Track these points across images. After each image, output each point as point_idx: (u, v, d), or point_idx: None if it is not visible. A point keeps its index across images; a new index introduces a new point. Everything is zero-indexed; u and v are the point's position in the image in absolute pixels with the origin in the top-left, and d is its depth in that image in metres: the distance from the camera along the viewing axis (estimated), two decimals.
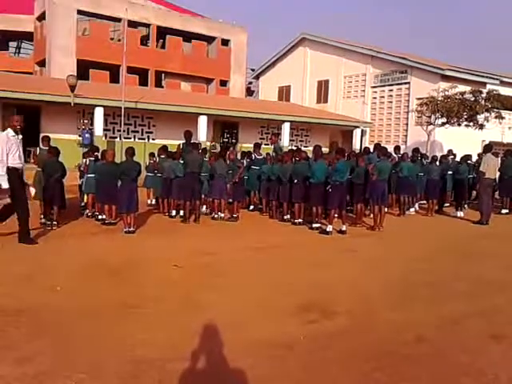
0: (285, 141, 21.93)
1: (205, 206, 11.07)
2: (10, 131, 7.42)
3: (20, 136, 7.54)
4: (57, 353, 3.80)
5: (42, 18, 27.84)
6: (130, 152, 8.99)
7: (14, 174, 7.24)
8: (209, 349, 4.01)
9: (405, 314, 5.04)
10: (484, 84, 21.65)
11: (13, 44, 36.73)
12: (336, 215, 9.71)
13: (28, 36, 31.91)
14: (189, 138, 11.00)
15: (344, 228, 9.47)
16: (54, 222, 8.75)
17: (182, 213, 10.22)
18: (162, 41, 29.93)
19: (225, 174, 10.35)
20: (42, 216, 9.06)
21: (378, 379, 3.63)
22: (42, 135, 12.15)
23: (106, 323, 4.46)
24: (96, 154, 10.29)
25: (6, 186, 7.13)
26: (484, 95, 18.44)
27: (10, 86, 16.31)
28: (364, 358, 3.95)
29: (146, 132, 20.46)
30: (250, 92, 38.36)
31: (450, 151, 14.93)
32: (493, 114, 18.57)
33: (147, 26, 29.03)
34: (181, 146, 10.92)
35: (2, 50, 33.59)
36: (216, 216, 10.46)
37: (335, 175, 9.30)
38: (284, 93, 30.41)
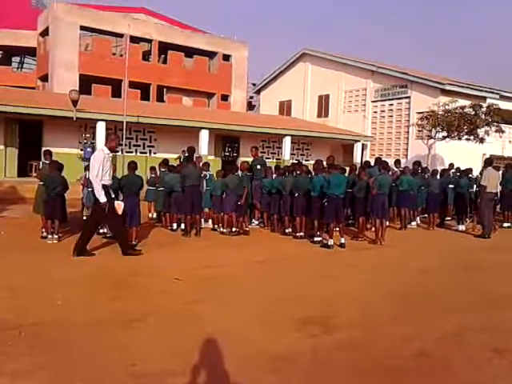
0: (286, 155, 22.02)
1: (210, 220, 11.03)
2: (105, 149, 7.85)
3: (111, 153, 8.02)
4: (57, 366, 3.78)
5: (45, 33, 28.14)
6: (133, 166, 9.03)
7: (104, 190, 7.64)
8: (210, 362, 3.99)
9: (406, 328, 5.01)
10: (484, 98, 21.74)
11: (16, 59, 37.09)
12: (337, 229, 9.69)
13: (31, 51, 32.26)
14: (190, 152, 11.04)
15: (343, 241, 9.43)
16: (56, 236, 8.76)
17: (182, 226, 10.22)
18: (163, 56, 30.20)
19: (237, 189, 10.27)
20: (43, 230, 9.06)
21: None
22: (43, 149, 12.18)
23: (107, 337, 4.44)
24: None
25: (104, 199, 7.58)
26: (484, 109, 18.51)
27: (12, 100, 16.41)
28: (366, 372, 3.92)
29: (148, 146, 20.55)
30: (251, 106, 38.58)
31: (451, 165, 14.94)
32: (493, 128, 18.62)
33: (149, 41, 29.32)
34: (181, 159, 10.96)
35: (5, 65, 33.93)
36: (228, 231, 10.30)
37: (328, 189, 9.31)
38: (285, 107, 30.57)
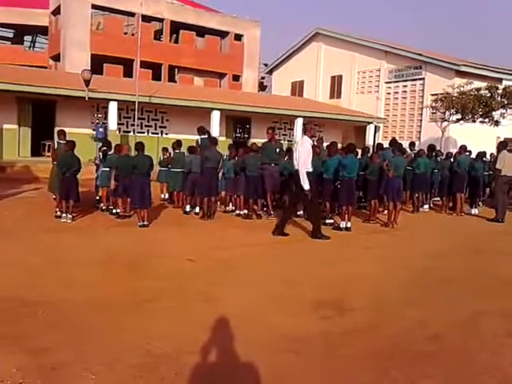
0: (298, 136, 21.89)
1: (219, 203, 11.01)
2: (308, 139, 8.34)
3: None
4: (74, 345, 3.83)
5: (56, 12, 27.99)
6: (139, 146, 8.98)
7: (309, 177, 8.19)
8: (224, 342, 4.02)
9: (420, 312, 5.01)
10: (500, 80, 21.38)
11: (28, 38, 37.00)
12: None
13: (43, 30, 32.12)
14: (207, 132, 11.04)
15: (349, 225, 9.38)
16: (70, 216, 8.82)
17: (197, 209, 10.24)
18: (175, 35, 29.96)
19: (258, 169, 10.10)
20: (57, 209, 9.14)
21: (394, 377, 3.60)
22: (57, 129, 12.21)
23: (122, 316, 4.49)
24: (104, 148, 10.25)
25: (307, 187, 8.14)
26: (500, 91, 18.22)
27: (24, 80, 16.43)
28: (380, 355, 3.93)
29: (160, 126, 20.53)
30: (262, 87, 38.28)
31: (463, 147, 14.71)
32: (509, 111, 18.35)
33: (161, 20, 29.05)
34: (198, 142, 10.85)
35: (17, 43, 33.88)
36: (244, 213, 10.24)
37: (342, 171, 9.24)
38: (297, 88, 30.30)
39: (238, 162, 10.34)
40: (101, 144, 11.36)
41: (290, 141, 22.61)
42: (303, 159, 8.12)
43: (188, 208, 10.39)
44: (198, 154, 10.36)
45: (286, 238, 8.49)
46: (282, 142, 18.35)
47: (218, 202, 10.79)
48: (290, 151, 11.75)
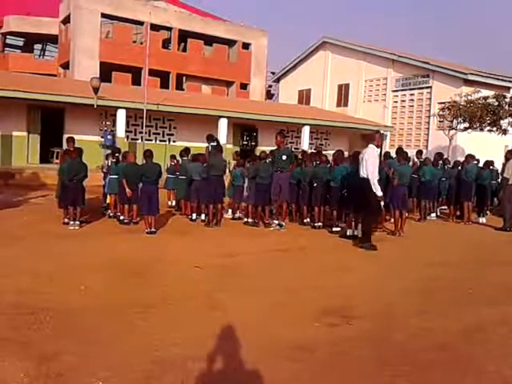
0: (304, 144, 21.92)
1: (230, 210, 11.03)
2: (375, 148, 8.37)
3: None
4: (81, 351, 3.85)
5: (66, 21, 28.26)
6: (148, 154, 9.05)
7: (380, 185, 8.27)
8: (230, 350, 4.03)
9: (427, 320, 4.98)
10: (508, 89, 21.33)
11: (38, 46, 37.37)
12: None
13: (53, 38, 32.45)
14: (216, 140, 11.11)
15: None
16: (77, 222, 8.88)
17: (203, 217, 10.26)
18: (183, 44, 30.16)
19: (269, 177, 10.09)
20: (65, 216, 9.19)
21: None
22: (66, 136, 12.32)
23: (129, 322, 4.51)
24: (117, 155, 10.36)
25: (380, 193, 8.23)
26: (508, 100, 18.15)
27: (35, 87, 16.60)
28: (386, 363, 3.91)
29: (167, 134, 20.64)
30: (269, 95, 38.40)
31: (472, 156, 14.67)
32: None
33: (169, 29, 29.27)
34: (209, 149, 10.89)
35: (28, 52, 34.23)
36: (252, 221, 10.19)
37: (349, 179, 9.23)
38: (304, 96, 30.37)
39: (249, 169, 10.35)
40: (109, 152, 11.42)
41: (297, 148, 22.62)
42: (373, 168, 8.20)
43: (194, 216, 10.41)
44: (201, 161, 10.40)
45: (291, 246, 8.49)
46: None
47: (229, 209, 10.82)
48: (297, 159, 11.76)
